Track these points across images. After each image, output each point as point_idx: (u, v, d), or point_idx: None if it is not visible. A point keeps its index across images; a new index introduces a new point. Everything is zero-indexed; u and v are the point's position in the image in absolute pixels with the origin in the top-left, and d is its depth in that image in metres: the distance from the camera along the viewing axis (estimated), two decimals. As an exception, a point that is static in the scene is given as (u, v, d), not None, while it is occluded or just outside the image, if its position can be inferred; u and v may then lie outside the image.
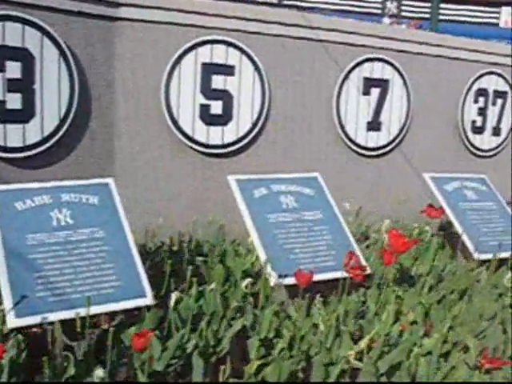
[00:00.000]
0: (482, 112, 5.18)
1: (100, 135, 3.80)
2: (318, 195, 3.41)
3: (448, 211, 3.71)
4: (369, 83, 4.57)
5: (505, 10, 17.08)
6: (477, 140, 5.19)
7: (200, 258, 3.40)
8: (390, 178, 4.77)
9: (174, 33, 3.94)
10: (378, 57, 4.57)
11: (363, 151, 4.63)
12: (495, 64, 5.20)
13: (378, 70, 4.59)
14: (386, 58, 4.60)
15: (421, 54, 4.81)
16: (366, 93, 4.57)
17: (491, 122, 5.25)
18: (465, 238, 3.63)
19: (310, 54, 4.36)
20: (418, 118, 4.87)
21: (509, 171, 5.39)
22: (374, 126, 4.63)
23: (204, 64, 4.00)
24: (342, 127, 4.50)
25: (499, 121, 5.30)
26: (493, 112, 5.25)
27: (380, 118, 4.65)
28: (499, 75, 5.21)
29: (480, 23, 17.55)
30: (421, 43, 4.80)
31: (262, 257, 2.99)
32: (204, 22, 4.00)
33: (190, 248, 3.59)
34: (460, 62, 5.01)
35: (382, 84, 4.62)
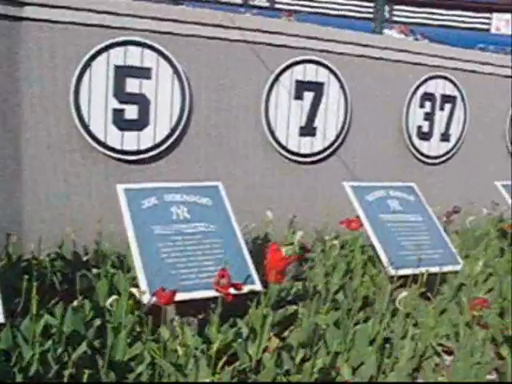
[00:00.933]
0: (429, 117, 4.95)
1: (5, 141, 3.63)
2: (216, 206, 3.22)
3: (365, 223, 3.50)
4: (301, 86, 4.37)
5: (496, 16, 16.85)
6: (424, 146, 4.97)
7: (95, 271, 3.24)
8: (326, 185, 4.56)
9: (85, 34, 3.76)
10: (311, 59, 4.37)
11: (296, 157, 4.43)
12: (443, 67, 4.98)
13: (311, 73, 4.39)
14: (320, 59, 4.40)
15: (361, 56, 4.61)
16: (299, 97, 4.37)
17: (439, 127, 5.02)
18: (380, 251, 3.41)
19: (236, 56, 4.17)
20: (358, 123, 4.66)
21: (459, 178, 5.16)
22: (307, 131, 4.43)
23: (117, 66, 3.82)
24: (272, 133, 4.30)
25: (448, 126, 5.07)
26: (441, 117, 5.02)
27: (314, 123, 4.45)
28: (447, 79, 4.99)
29: (471, 29, 17.31)
30: (362, 45, 4.60)
31: (139, 271, 2.80)
32: (117, 23, 3.82)
33: (88, 259, 3.42)
34: (404, 64, 4.81)
35: (317, 87, 4.42)
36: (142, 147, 3.94)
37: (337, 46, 4.48)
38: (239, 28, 4.12)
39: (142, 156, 3.94)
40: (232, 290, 2.61)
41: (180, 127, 4.01)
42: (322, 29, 4.53)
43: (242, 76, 4.20)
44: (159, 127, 3.96)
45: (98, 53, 3.77)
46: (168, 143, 4.00)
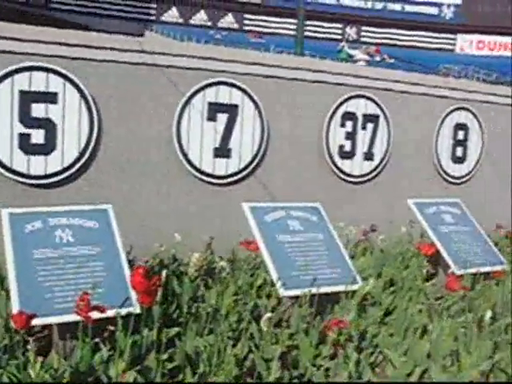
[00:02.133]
0: (350, 136, 5.01)
1: None
2: (103, 229, 3.24)
3: (260, 243, 3.51)
4: (214, 108, 4.42)
5: (460, 37, 17.23)
6: (346, 165, 5.02)
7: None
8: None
9: (-12, 60, 3.80)
10: (224, 81, 4.43)
11: (210, 179, 4.46)
12: (365, 87, 5.06)
13: (224, 95, 4.44)
14: (234, 81, 4.46)
15: (276, 77, 4.67)
16: (212, 118, 4.42)
17: (362, 146, 5.08)
18: (272, 272, 3.43)
19: (146, 79, 4.22)
20: (275, 144, 4.71)
21: (388, 196, 5.21)
22: (222, 152, 4.47)
23: (22, 92, 3.85)
24: (185, 155, 4.34)
25: (371, 145, 5.13)
26: (363, 136, 5.08)
27: (229, 145, 4.49)
28: (369, 99, 5.06)
29: (437, 49, 17.63)
30: (275, 66, 4.66)
31: (13, 294, 2.82)
32: (21, 49, 3.86)
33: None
34: (323, 84, 4.87)
35: (230, 109, 4.47)
36: (49, 171, 3.96)
37: (250, 68, 4.53)
38: (148, 52, 4.17)
39: (48, 180, 3.96)
40: (95, 314, 2.63)
41: (88, 151, 4.04)
42: (238, 51, 4.60)
43: (152, 99, 4.25)
44: (67, 151, 3.99)
45: (2, 78, 3.80)
46: (76, 167, 4.03)
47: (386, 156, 5.23)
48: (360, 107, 5.03)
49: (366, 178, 5.17)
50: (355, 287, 3.60)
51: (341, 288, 3.51)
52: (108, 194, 4.12)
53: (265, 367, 2.71)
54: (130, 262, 3.75)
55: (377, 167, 5.20)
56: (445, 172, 5.62)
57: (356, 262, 4.15)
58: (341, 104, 4.94)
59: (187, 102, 4.32)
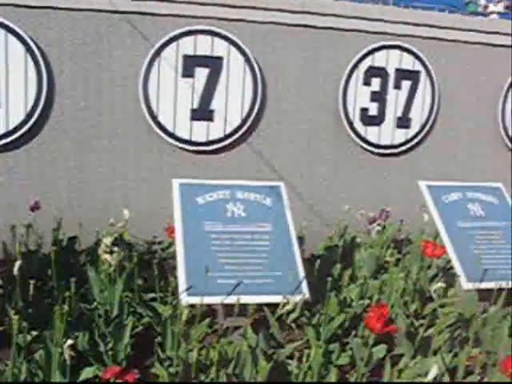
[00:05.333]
0: (378, 97, 4.03)
1: None
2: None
3: (177, 231, 2.75)
4: (192, 62, 3.69)
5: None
6: (370, 133, 4.06)
7: None
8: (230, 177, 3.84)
9: None
10: (204, 29, 3.67)
11: (187, 146, 3.76)
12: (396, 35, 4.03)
13: (205, 46, 3.69)
14: (216, 29, 3.69)
15: (280, 23, 3.82)
16: (189, 74, 3.70)
17: (394, 110, 4.08)
18: (181, 278, 2.67)
19: (108, 29, 3.59)
20: (276, 105, 3.88)
21: (423, 173, 4.18)
22: (202, 115, 3.75)
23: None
24: (154, 117, 3.68)
25: (407, 109, 4.10)
26: (396, 97, 4.07)
27: (211, 106, 3.75)
28: (405, 50, 4.03)
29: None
30: (280, 10, 3.81)
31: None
32: None
33: None
34: (338, 32, 3.93)
35: (213, 63, 3.71)
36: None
37: (242, 13, 3.72)
38: (107, -5, 3.53)
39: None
40: None
41: (36, 113, 3.53)
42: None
43: (116, 51, 3.62)
44: (12, 112, 3.50)
45: None
46: (23, 130, 3.53)
47: (429, 122, 4.17)
48: (393, 61, 4.01)
49: (398, 150, 4.16)
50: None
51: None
52: (69, 159, 3.61)
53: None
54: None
55: (414, 136, 4.16)
56: (516, 144, 4.42)
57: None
58: (364, 57, 3.96)
59: (156, 55, 3.63)
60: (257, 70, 3.77)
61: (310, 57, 3.89)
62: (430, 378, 2.03)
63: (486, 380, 2.53)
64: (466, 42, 4.13)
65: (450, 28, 4.06)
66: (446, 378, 2.36)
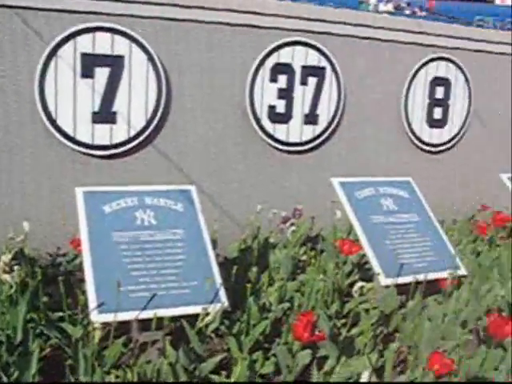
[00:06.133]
0: (285, 94, 3.98)
1: None
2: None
3: (84, 243, 2.56)
4: (91, 62, 3.47)
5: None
6: (278, 131, 4.00)
7: None
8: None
9: None
10: (103, 26, 3.46)
11: (90, 150, 3.54)
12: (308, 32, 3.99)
13: (105, 44, 3.48)
14: (117, 26, 3.48)
15: (176, 19, 3.66)
16: (88, 75, 3.47)
17: (301, 107, 4.04)
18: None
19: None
20: (181, 105, 3.74)
21: (334, 170, 4.17)
22: (104, 117, 3.53)
23: None
24: (52, 120, 3.43)
25: (314, 106, 4.08)
26: (303, 94, 4.04)
27: (113, 108, 3.55)
28: (310, 46, 4.00)
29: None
30: (167, 4, 3.65)
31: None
32: None
33: None
34: (250, 29, 3.83)
35: (112, 62, 3.51)
36: None
37: (143, 8, 3.54)
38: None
39: None
40: None
41: None
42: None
43: (10, 51, 3.33)
44: None
45: None
46: None
47: (336, 118, 4.17)
48: (297, 57, 3.97)
49: (306, 147, 4.13)
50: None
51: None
52: None
53: None
54: None
55: (322, 133, 4.15)
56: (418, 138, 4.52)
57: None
58: (269, 54, 3.89)
59: (53, 54, 3.39)
60: (160, 68, 3.60)
61: (216, 55, 3.77)
62: (363, 381, 1.98)
63: (408, 376, 2.52)
64: (370, 39, 4.16)
65: (360, 25, 4.08)
66: (374, 379, 2.33)
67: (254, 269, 3.18)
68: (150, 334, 2.39)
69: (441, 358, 2.09)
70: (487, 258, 3.64)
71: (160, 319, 2.38)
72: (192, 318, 2.45)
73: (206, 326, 2.53)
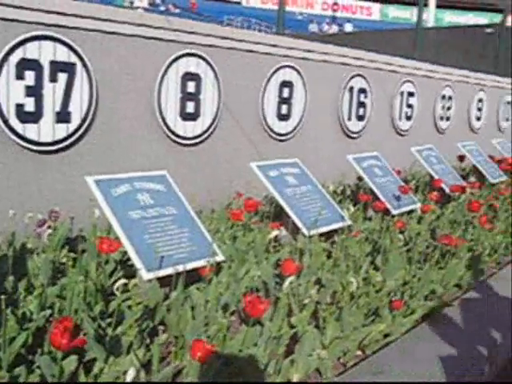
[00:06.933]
0: (34, 92, 3.79)
1: None
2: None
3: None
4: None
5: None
6: (29, 130, 3.81)
7: None
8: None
9: None
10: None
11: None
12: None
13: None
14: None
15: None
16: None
17: (52, 105, 3.88)
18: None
19: None
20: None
21: (91, 168, 4.09)
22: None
23: None
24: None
25: (66, 103, 3.95)
26: (53, 91, 3.89)
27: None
28: (58, 41, 3.85)
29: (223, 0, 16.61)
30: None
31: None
32: None
33: None
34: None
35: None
36: None
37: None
38: None
39: None
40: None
41: None
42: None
43: None
44: None
45: None
46: None
47: (89, 115, 4.09)
48: (45, 53, 3.80)
49: (60, 146, 4.00)
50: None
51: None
52: None
53: None
54: None
55: (76, 131, 4.05)
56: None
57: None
58: (14, 48, 3.67)
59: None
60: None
61: None
62: (129, 379, 2.00)
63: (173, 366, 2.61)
64: (122, 34, 4.16)
65: (109, 20, 4.04)
66: (143, 375, 2.37)
67: (11, 277, 3.01)
68: None
69: (202, 345, 2.19)
70: (243, 242, 3.89)
71: None
72: None
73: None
